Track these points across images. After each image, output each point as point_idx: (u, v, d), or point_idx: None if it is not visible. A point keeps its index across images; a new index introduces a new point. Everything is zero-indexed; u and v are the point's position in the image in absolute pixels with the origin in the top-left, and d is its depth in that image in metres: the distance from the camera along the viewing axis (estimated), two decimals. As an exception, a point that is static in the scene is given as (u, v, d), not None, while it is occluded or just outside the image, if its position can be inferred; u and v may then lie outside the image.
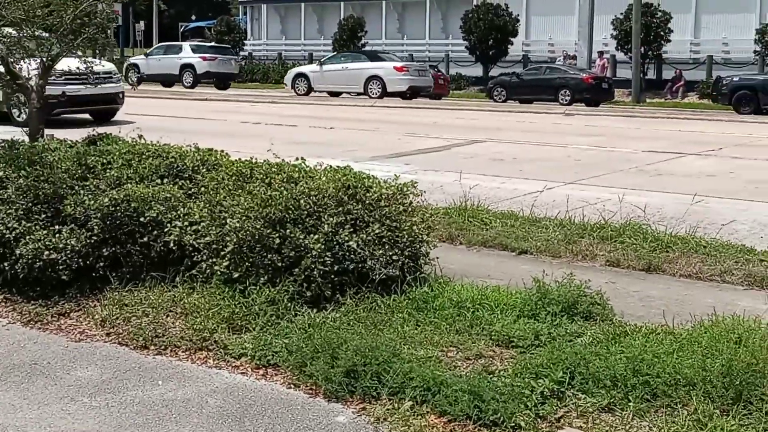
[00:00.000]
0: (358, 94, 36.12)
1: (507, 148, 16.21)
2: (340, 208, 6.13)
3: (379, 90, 35.53)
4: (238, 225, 5.95)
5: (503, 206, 9.98)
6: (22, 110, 18.55)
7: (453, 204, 9.51)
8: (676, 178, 12.89)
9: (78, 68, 19.27)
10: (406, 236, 6.21)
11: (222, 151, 7.72)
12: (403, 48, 50.57)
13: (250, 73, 51.14)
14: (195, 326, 5.63)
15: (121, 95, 21.11)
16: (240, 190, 6.36)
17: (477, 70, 45.31)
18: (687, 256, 7.51)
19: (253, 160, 7.06)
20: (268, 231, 5.93)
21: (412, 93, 35.76)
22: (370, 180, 6.51)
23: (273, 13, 59.45)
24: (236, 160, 7.13)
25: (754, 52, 39.14)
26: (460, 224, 8.67)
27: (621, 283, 6.81)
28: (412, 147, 16.63)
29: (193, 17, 74.36)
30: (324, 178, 6.43)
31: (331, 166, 6.85)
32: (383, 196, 6.35)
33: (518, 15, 44.88)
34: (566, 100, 34.40)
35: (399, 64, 36.45)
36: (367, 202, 6.25)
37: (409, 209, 6.46)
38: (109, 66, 21.25)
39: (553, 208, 9.89)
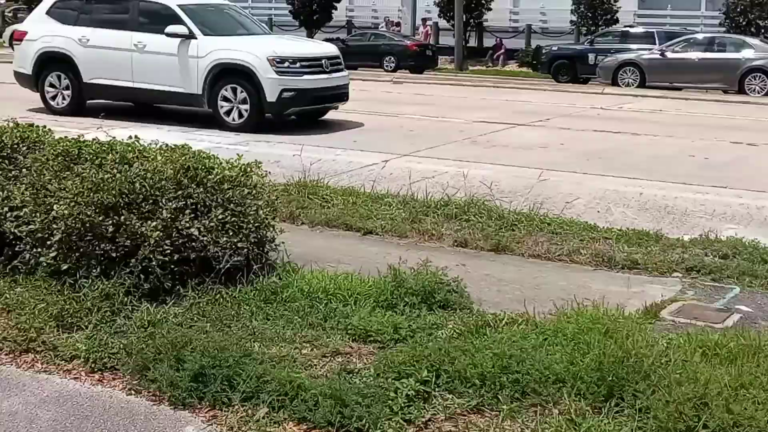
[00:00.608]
0: None
1: (337, 117, 15.87)
2: (180, 192, 5.66)
3: None
4: (66, 211, 5.39)
5: (341, 180, 9.71)
6: None
7: (290, 179, 9.13)
8: (510, 150, 12.91)
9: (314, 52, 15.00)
10: (252, 221, 5.80)
11: (44, 127, 7.03)
12: (225, 10, 49.36)
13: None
14: (19, 325, 5.06)
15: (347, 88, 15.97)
16: (68, 172, 5.78)
17: (301, 35, 44.74)
18: (533, 235, 7.45)
19: (81, 139, 6.45)
20: (101, 218, 5.41)
21: None
22: (212, 161, 6.03)
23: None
24: (61, 138, 6.50)
25: (571, 22, 40.25)
26: (300, 202, 8.33)
27: (472, 266, 6.62)
28: (240, 116, 16.05)
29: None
30: (161, 159, 5.91)
31: (167, 145, 6.32)
32: (226, 178, 5.90)
33: (343, -21, 44.48)
34: (391, 67, 34.44)
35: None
36: (209, 185, 5.79)
37: (254, 192, 6.04)
38: (333, 48, 16.38)
39: (392, 181, 9.70)
